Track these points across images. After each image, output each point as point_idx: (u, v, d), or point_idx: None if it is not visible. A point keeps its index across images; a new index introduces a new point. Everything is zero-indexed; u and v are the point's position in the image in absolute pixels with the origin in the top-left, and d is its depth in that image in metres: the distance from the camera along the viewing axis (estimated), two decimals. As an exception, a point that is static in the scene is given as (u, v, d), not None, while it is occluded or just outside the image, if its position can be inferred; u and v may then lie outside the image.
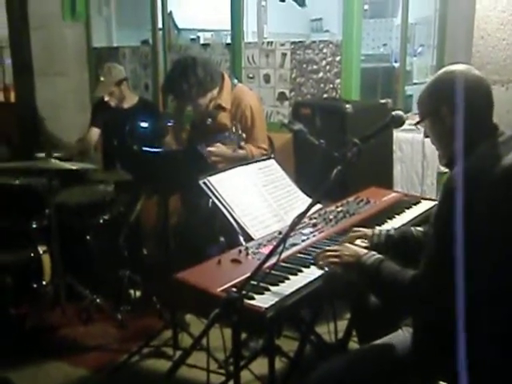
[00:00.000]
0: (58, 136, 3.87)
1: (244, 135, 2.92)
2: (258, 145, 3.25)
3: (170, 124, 3.56)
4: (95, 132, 4.04)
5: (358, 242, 2.01)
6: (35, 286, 3.18)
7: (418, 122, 1.75)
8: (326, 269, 1.78)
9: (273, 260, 1.61)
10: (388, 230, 2.04)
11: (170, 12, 4.92)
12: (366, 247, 1.90)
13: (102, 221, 3.48)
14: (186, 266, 1.79)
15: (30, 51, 4.85)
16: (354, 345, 2.48)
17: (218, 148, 3.10)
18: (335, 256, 1.77)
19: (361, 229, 2.08)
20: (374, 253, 1.70)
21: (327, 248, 1.88)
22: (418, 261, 1.54)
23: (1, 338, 2.98)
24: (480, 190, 1.41)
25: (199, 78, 3.13)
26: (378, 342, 1.74)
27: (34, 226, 3.27)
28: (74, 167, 3.13)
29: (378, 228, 2.07)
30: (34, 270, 3.18)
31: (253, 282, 1.55)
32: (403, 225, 2.25)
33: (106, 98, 3.84)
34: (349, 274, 1.75)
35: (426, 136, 1.75)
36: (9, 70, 5.53)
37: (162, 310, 3.21)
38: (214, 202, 2.21)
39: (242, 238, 2.13)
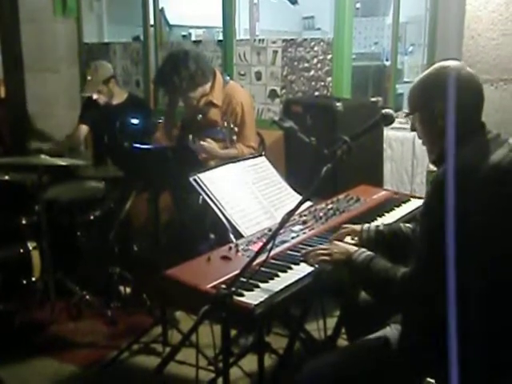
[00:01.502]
0: (47, 132, 3.85)
1: (236, 129, 2.92)
2: (248, 143, 3.25)
3: (160, 121, 3.55)
4: (83, 129, 4.03)
5: (347, 238, 2.02)
6: (24, 282, 3.16)
7: (407, 114, 1.76)
8: (316, 266, 1.79)
9: (263, 257, 1.62)
10: (377, 226, 2.05)
11: (162, 8, 4.91)
12: (355, 244, 1.92)
13: (92, 217, 3.47)
14: (176, 263, 1.79)
15: (20, 47, 4.82)
16: (343, 342, 2.50)
17: (209, 144, 3.10)
18: (325, 254, 1.78)
19: (350, 225, 2.09)
20: (364, 250, 1.71)
21: (317, 246, 1.88)
22: (407, 256, 1.55)
23: (-11, 334, 2.97)
24: (469, 186, 1.41)
25: (190, 71, 3.13)
26: (367, 338, 1.75)
27: (24, 221, 3.25)
28: (64, 163, 3.12)
29: (366, 224, 2.08)
30: (24, 266, 3.16)
31: (242, 279, 1.55)
32: (393, 222, 2.26)
33: (95, 97, 3.83)
34: (339, 271, 1.76)
35: (413, 129, 1.75)
36: (-1, 65, 5.50)
37: (152, 306, 3.21)
38: (204, 199, 2.21)
39: (232, 235, 2.14)
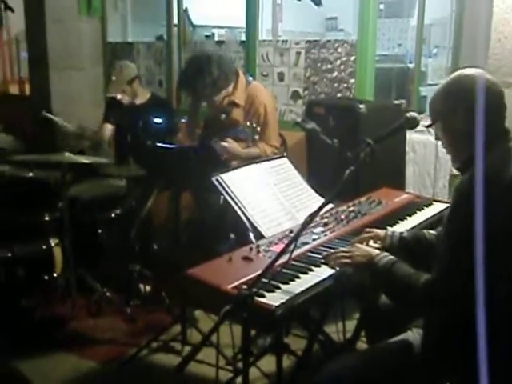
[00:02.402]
0: (68, 127, 3.89)
1: (258, 128, 2.92)
2: (270, 143, 3.25)
3: (182, 120, 3.57)
4: (108, 128, 4.06)
5: (370, 242, 2.01)
6: (46, 278, 3.19)
7: (429, 125, 1.75)
8: (337, 268, 1.79)
9: (284, 258, 1.62)
10: (401, 232, 2.03)
11: (186, 8, 4.93)
12: (378, 248, 1.90)
13: (113, 215, 3.50)
14: (196, 262, 1.80)
15: (45, 45, 4.88)
16: (362, 345, 2.49)
17: (230, 144, 3.11)
18: (347, 256, 1.77)
19: (373, 230, 2.07)
20: (386, 254, 1.70)
21: (339, 249, 1.88)
22: (429, 263, 1.54)
23: (12, 329, 3.00)
24: (494, 193, 1.40)
25: (213, 76, 3.14)
26: (389, 342, 1.74)
27: (47, 218, 3.29)
28: (87, 161, 3.15)
29: (390, 229, 2.07)
30: (46, 262, 3.20)
31: (263, 280, 1.56)
32: (415, 226, 2.25)
33: (119, 97, 3.86)
34: (360, 274, 1.75)
35: (437, 138, 1.75)
36: (24, 63, 5.57)
37: (171, 305, 3.22)
38: (225, 199, 2.22)
39: (252, 236, 2.14)
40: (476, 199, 0.70)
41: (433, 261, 1.55)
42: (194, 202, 3.48)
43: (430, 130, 1.77)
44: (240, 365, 2.51)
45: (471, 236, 0.68)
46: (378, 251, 1.74)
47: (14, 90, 5.98)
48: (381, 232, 2.04)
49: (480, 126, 0.73)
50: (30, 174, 3.40)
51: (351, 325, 2.60)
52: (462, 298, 1.09)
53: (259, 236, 2.11)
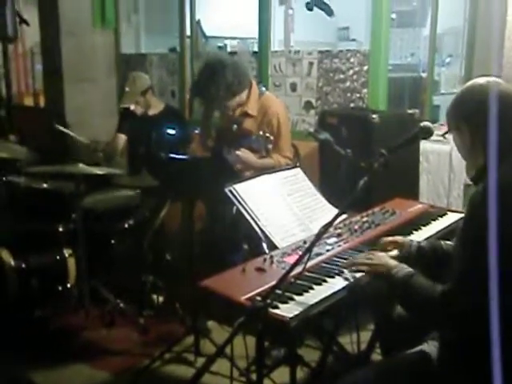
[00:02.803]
0: (81, 139, 3.93)
1: (272, 138, 2.91)
2: (284, 154, 3.25)
3: (196, 131, 3.57)
4: (122, 138, 4.08)
5: (390, 251, 2.00)
6: (60, 288, 3.20)
7: (445, 133, 1.75)
8: (351, 279, 1.77)
9: (298, 269, 1.61)
10: (419, 242, 2.02)
11: (198, 20, 4.97)
12: (396, 257, 1.89)
13: (126, 225, 3.50)
14: (209, 273, 1.79)
15: (60, 57, 4.93)
16: (377, 356, 2.46)
17: (244, 153, 3.10)
18: (367, 264, 1.77)
19: (395, 237, 2.06)
20: (404, 266, 1.69)
21: (360, 255, 1.87)
22: (446, 274, 1.53)
23: (25, 339, 3.01)
24: (507, 203, 1.39)
25: (228, 80, 3.14)
26: (406, 353, 1.72)
27: (61, 229, 3.30)
28: (101, 172, 3.16)
29: (409, 238, 2.05)
30: (59, 272, 3.21)
31: (277, 291, 1.55)
32: (429, 237, 2.23)
33: (132, 108, 3.88)
34: (378, 283, 1.74)
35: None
36: (39, 75, 5.64)
37: (185, 315, 3.22)
38: (238, 210, 2.22)
39: (265, 246, 2.13)
40: (490, 209, 0.69)
41: (449, 272, 1.54)
42: (206, 212, 3.48)
43: (447, 136, 1.77)
44: (254, 376, 2.50)
45: (486, 246, 0.67)
46: (396, 263, 1.73)
47: (28, 102, 6.05)
48: (400, 239, 2.03)
49: (493, 136, 0.72)
50: (45, 185, 3.42)
51: (365, 336, 2.58)
52: (478, 309, 1.08)
53: (272, 247, 2.11)
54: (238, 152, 3.08)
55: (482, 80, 1.64)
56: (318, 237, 1.63)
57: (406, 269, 1.66)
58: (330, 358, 2.60)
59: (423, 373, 1.64)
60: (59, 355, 2.95)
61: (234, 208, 3.15)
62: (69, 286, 3.22)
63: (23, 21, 4.96)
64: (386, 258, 1.80)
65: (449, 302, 1.48)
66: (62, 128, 3.66)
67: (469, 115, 1.61)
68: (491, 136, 0.72)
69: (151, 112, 3.96)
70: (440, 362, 1.63)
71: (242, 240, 3.01)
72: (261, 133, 2.89)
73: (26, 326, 3.09)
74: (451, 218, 2.47)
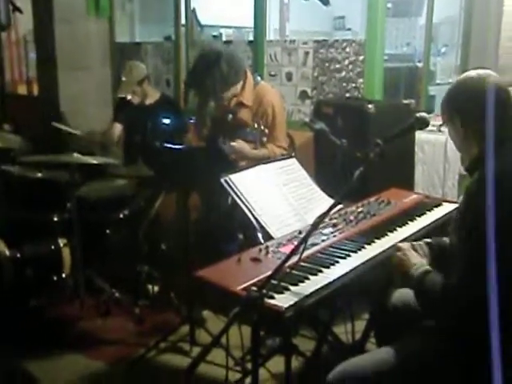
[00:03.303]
0: (80, 134, 3.91)
1: (266, 131, 2.91)
2: (279, 144, 3.24)
3: (191, 121, 3.56)
4: (118, 127, 4.07)
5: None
6: (55, 278, 3.20)
7: (441, 125, 1.77)
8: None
9: (293, 259, 1.61)
10: (428, 242, 1.99)
11: (194, 9, 4.93)
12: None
13: (121, 215, 3.50)
14: (204, 263, 1.79)
15: (54, 45, 4.89)
16: (371, 346, 2.48)
17: (239, 144, 3.10)
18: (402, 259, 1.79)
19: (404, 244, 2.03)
20: (420, 265, 1.70)
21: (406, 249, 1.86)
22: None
23: (20, 329, 3.01)
24: (502, 193, 1.39)
25: (223, 72, 3.13)
26: (400, 343, 1.73)
27: (55, 218, 3.29)
28: (96, 161, 3.15)
29: (418, 242, 2.03)
30: (54, 262, 3.20)
31: (273, 281, 1.55)
32: (425, 227, 2.24)
33: (129, 97, 3.86)
34: (373, 273, 1.76)
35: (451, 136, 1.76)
36: (32, 64, 5.59)
37: (180, 305, 3.22)
38: (233, 200, 2.21)
39: (260, 236, 2.13)
40: (486, 200, 0.69)
41: (451, 265, 1.54)
42: (201, 202, 3.47)
43: (442, 129, 1.78)
44: (249, 365, 2.51)
45: (483, 235, 0.67)
46: (417, 261, 1.74)
47: (22, 90, 6.00)
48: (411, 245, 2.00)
49: (490, 128, 0.72)
50: (39, 175, 3.41)
51: (360, 325, 2.59)
52: (481, 301, 1.08)
53: (268, 237, 2.11)
54: (232, 143, 3.07)
55: (473, 73, 1.66)
56: (314, 227, 1.63)
57: (420, 268, 1.68)
58: (325, 347, 2.62)
59: (418, 363, 1.65)
60: (54, 345, 2.95)
61: (229, 198, 3.16)
62: (64, 275, 3.22)
63: (16, 8, 4.92)
64: (412, 258, 1.79)
65: (454, 296, 1.49)
66: (57, 125, 3.63)
67: (461, 107, 1.64)
68: (488, 128, 0.72)
69: (147, 101, 3.95)
70: (437, 353, 1.63)
71: (237, 230, 3.01)
72: (255, 125, 2.89)
73: (21, 316, 3.09)
74: (446, 208, 2.47)
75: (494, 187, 0.74)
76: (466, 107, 1.61)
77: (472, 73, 1.67)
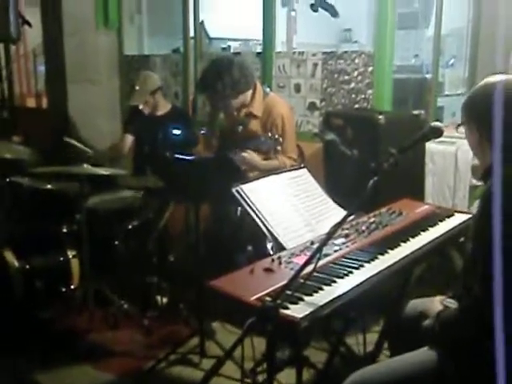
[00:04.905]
0: (89, 143, 3.93)
1: (280, 139, 2.91)
2: (288, 154, 3.24)
3: (202, 132, 3.57)
4: (129, 139, 4.08)
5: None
6: (64, 289, 3.20)
7: (459, 125, 1.76)
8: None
9: (307, 270, 1.60)
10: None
11: (202, 21, 4.96)
12: None
13: (130, 226, 3.50)
14: (213, 274, 1.78)
15: (63, 58, 4.93)
16: (384, 358, 2.45)
17: (250, 154, 3.09)
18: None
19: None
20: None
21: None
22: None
23: (29, 340, 3.01)
24: None
25: (234, 77, 3.14)
26: (411, 354, 1.71)
27: (65, 230, 3.30)
28: (105, 173, 3.16)
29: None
30: (63, 274, 3.21)
31: (287, 292, 1.53)
32: (437, 237, 2.22)
33: (141, 107, 3.88)
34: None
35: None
36: (41, 77, 5.63)
37: (189, 317, 3.21)
38: (242, 211, 2.20)
39: (269, 247, 2.12)
40: (495, 207, 0.68)
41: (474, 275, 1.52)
42: (211, 213, 3.47)
43: (450, 139, 1.78)
44: (259, 378, 2.49)
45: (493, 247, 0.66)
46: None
47: (31, 103, 6.04)
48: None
49: (498, 134, 0.72)
50: (48, 186, 3.42)
51: (371, 337, 2.57)
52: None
53: (279, 248, 2.09)
54: (243, 153, 3.07)
55: (494, 78, 1.64)
56: (329, 237, 1.61)
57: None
58: (336, 359, 2.59)
59: (429, 373, 1.63)
60: (63, 357, 2.94)
61: (239, 209, 3.15)
62: (72, 287, 3.22)
63: (26, 22, 4.96)
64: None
65: (480, 310, 1.47)
66: (69, 140, 3.65)
67: (478, 113, 1.63)
68: (496, 133, 0.71)
69: (159, 112, 3.96)
70: (450, 365, 1.61)
71: (246, 241, 3.00)
72: (270, 134, 2.88)
73: (31, 328, 3.08)
74: (458, 219, 2.45)
75: (506, 194, 0.73)
76: (483, 113, 1.59)
77: (493, 78, 1.65)
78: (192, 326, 3.07)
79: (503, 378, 0.62)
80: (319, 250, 1.57)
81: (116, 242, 3.44)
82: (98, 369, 2.88)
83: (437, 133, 1.87)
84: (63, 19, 4.92)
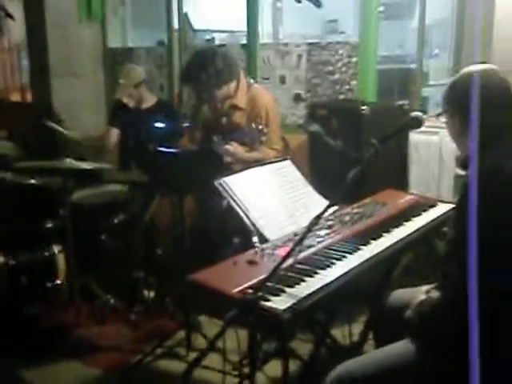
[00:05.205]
0: (73, 136, 3.89)
1: (265, 130, 2.90)
2: (272, 146, 3.23)
3: (186, 125, 3.55)
4: (115, 132, 4.05)
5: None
6: (49, 285, 3.18)
7: (439, 114, 1.78)
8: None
9: (289, 261, 1.60)
10: None
11: (186, 13, 4.92)
12: None
13: (116, 221, 3.48)
14: (200, 267, 1.77)
15: (46, 52, 4.87)
16: (369, 348, 2.46)
17: (233, 147, 3.08)
18: None
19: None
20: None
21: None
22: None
23: (15, 337, 2.99)
24: (493, 189, 1.39)
25: (218, 67, 3.14)
26: (396, 344, 1.72)
27: (49, 225, 3.27)
28: (89, 167, 3.13)
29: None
30: (49, 269, 3.18)
31: (269, 284, 1.53)
32: (420, 227, 2.23)
33: (125, 100, 3.85)
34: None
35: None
36: (25, 71, 5.57)
37: (176, 310, 3.20)
38: (228, 203, 2.20)
39: (256, 239, 2.11)
40: (470, 197, 0.69)
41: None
42: (196, 206, 3.46)
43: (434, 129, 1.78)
44: (246, 370, 2.49)
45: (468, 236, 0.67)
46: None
47: (15, 97, 5.98)
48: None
49: (474, 124, 0.72)
50: (32, 181, 3.38)
51: (356, 328, 2.58)
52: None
53: (263, 240, 2.09)
54: (227, 146, 3.06)
55: (475, 67, 1.63)
56: (309, 228, 1.61)
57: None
58: (322, 350, 2.60)
59: (416, 363, 1.64)
60: (49, 352, 2.93)
61: (224, 202, 3.14)
62: (58, 282, 3.20)
63: (8, 15, 4.91)
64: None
65: (458, 299, 1.48)
66: (50, 123, 3.62)
67: (458, 102, 1.63)
68: (473, 121, 0.72)
69: (144, 105, 3.94)
70: (429, 358, 1.62)
71: (232, 234, 3.00)
72: (253, 125, 2.87)
73: (17, 323, 3.06)
74: (442, 209, 2.46)
75: (484, 183, 0.73)
76: (462, 102, 1.59)
77: (474, 67, 1.65)
78: (178, 319, 3.06)
79: (476, 369, 0.62)
80: (299, 242, 1.57)
81: (102, 237, 3.43)
82: (85, 364, 2.87)
83: (417, 123, 1.87)
84: (46, 12, 4.86)
